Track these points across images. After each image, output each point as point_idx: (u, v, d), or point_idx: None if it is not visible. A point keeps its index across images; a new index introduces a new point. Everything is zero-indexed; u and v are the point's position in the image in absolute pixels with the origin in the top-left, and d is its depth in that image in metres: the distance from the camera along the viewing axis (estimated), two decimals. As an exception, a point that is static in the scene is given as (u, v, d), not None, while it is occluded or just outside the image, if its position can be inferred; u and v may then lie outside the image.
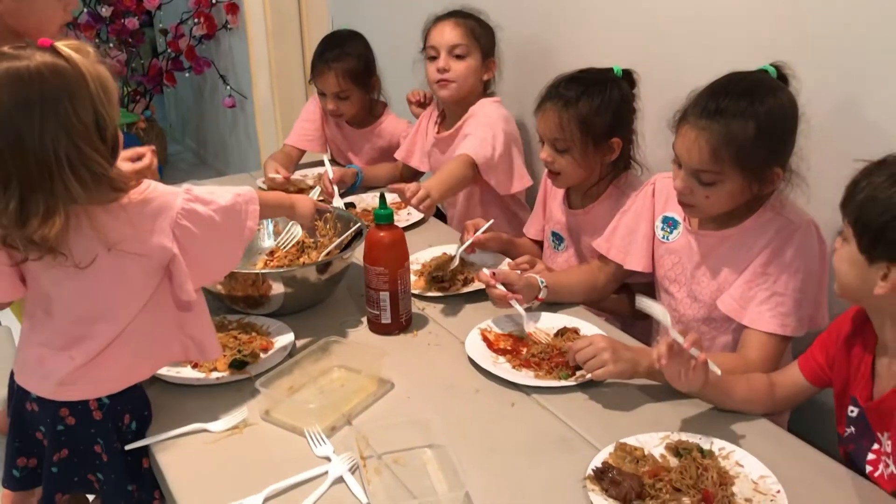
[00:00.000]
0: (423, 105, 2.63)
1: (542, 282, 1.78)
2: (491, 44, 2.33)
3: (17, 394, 1.50)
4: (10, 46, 1.28)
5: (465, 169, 2.14)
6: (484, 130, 2.22)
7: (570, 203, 2.06)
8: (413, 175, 2.63)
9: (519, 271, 1.79)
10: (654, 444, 1.37)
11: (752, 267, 1.59)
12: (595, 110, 1.84)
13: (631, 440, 1.38)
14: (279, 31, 3.90)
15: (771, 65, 1.59)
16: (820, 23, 1.68)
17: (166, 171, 4.94)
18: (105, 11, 4.46)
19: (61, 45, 1.28)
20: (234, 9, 4.18)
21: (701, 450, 1.35)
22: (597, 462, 1.32)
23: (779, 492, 1.26)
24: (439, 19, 2.32)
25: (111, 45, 4.63)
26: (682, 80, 1.62)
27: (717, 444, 1.36)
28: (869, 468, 1.32)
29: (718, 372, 1.40)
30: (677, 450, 1.36)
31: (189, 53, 4.54)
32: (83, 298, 1.40)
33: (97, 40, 4.61)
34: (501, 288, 1.71)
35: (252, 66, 4.05)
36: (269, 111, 4.10)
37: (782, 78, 1.59)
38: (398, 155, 2.59)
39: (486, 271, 1.73)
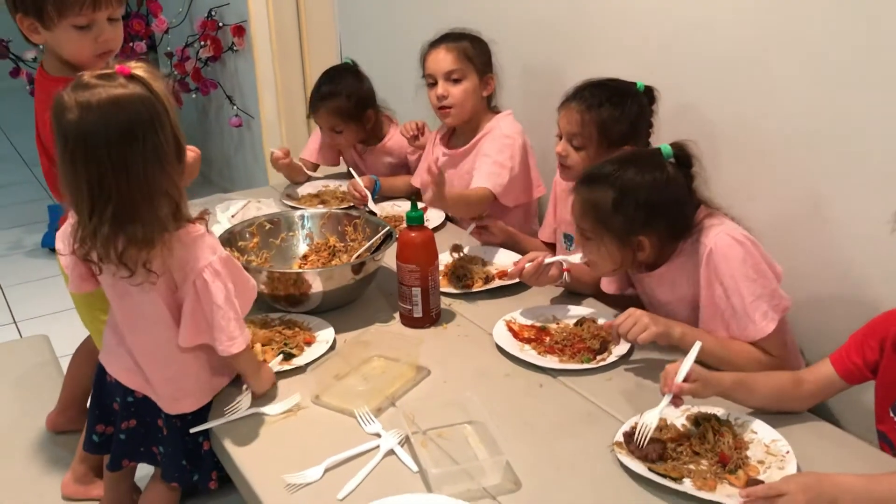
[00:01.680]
0: (417, 137, 2.71)
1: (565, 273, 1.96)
2: (486, 60, 2.41)
3: (99, 366, 1.65)
4: (97, 74, 1.39)
5: (482, 202, 2.27)
6: (500, 152, 2.32)
7: None
8: None
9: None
10: (675, 415, 1.51)
11: (703, 309, 1.71)
12: (615, 117, 1.96)
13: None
14: (284, 52, 4.04)
15: (670, 144, 1.73)
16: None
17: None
18: (114, 36, 4.60)
19: (139, 73, 1.39)
20: (240, 31, 4.32)
21: (718, 418, 1.49)
22: (624, 429, 1.47)
23: (788, 452, 1.39)
24: (433, 46, 2.41)
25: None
26: (679, 98, 1.79)
27: (733, 415, 1.50)
28: None
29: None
30: (696, 419, 1.49)
31: (195, 75, 4.67)
32: (117, 309, 1.56)
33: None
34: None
35: (258, 86, 4.19)
36: (275, 130, 4.24)
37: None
38: (415, 182, 2.66)
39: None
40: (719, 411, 1.51)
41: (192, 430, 1.58)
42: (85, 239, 1.40)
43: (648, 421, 1.43)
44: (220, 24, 4.48)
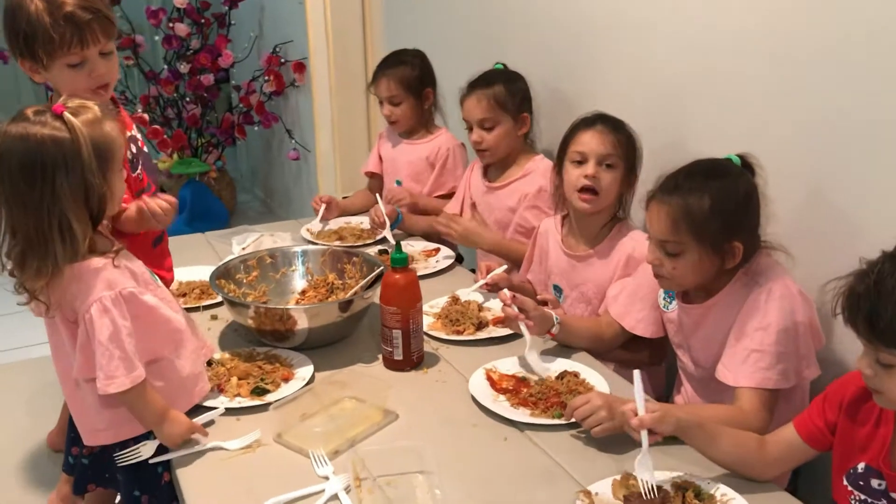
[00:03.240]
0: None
1: (556, 319, 1.89)
2: (521, 99, 2.44)
3: None
4: (36, 110, 1.44)
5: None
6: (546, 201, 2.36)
7: (569, 246, 2.17)
8: None
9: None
10: (663, 480, 1.44)
11: (732, 332, 1.69)
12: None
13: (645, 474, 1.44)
14: (342, 89, 4.12)
15: (737, 154, 1.72)
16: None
17: (235, 219, 5.20)
18: (183, 68, 4.78)
19: (68, 114, 1.43)
20: (300, 68, 4.44)
21: (698, 491, 1.41)
22: (597, 487, 1.42)
23: None
24: (468, 92, 2.46)
25: (188, 98, 4.95)
26: (689, 139, 1.73)
27: (721, 490, 1.42)
28: None
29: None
30: (679, 486, 1.42)
31: (259, 108, 4.81)
32: (48, 337, 1.60)
33: (175, 94, 4.94)
34: (515, 310, 1.83)
35: (315, 121, 4.28)
36: (329, 164, 4.32)
37: (747, 165, 1.72)
38: (451, 209, 2.69)
39: (506, 292, 1.86)
40: (706, 484, 1.43)
41: (150, 461, 1.59)
42: (11, 258, 1.47)
43: (646, 477, 1.39)
44: (283, 60, 4.61)
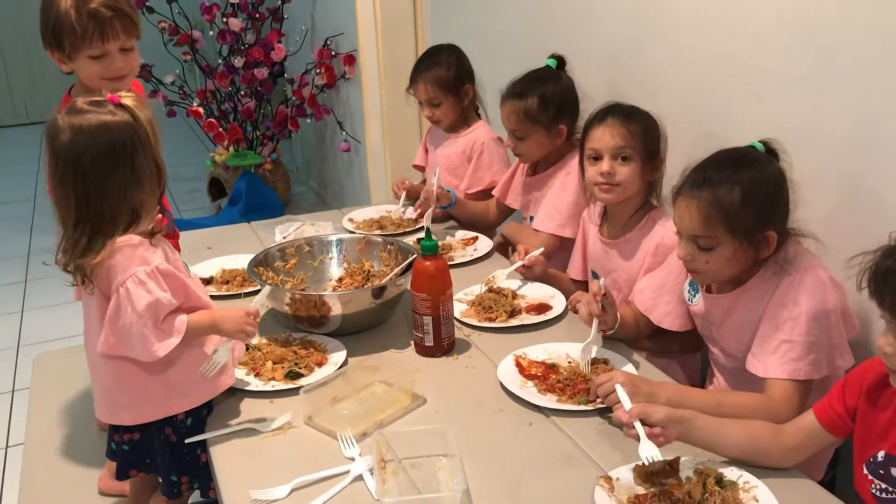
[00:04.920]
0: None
1: (617, 321, 1.88)
2: (557, 111, 2.37)
3: None
4: (90, 100, 1.54)
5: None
6: (571, 207, 2.37)
7: (604, 233, 2.17)
8: (504, 215, 2.77)
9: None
10: (686, 466, 1.44)
11: (763, 322, 1.67)
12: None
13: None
14: (391, 81, 4.15)
15: (760, 141, 1.70)
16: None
17: (290, 210, 5.30)
18: (238, 62, 4.89)
19: (127, 102, 1.53)
20: (351, 60, 4.49)
21: (720, 478, 1.41)
22: (618, 473, 1.43)
23: None
24: (502, 101, 2.42)
25: (242, 92, 5.05)
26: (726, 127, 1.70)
27: (744, 478, 1.41)
28: None
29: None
30: (701, 473, 1.42)
31: (311, 101, 4.89)
32: (84, 319, 1.66)
33: (231, 88, 5.05)
34: (597, 308, 1.81)
35: (365, 113, 4.34)
36: (379, 155, 4.37)
37: (771, 152, 1.69)
38: (496, 193, 2.73)
39: (601, 283, 1.82)
40: (729, 471, 1.43)
41: (186, 441, 1.65)
42: (67, 250, 1.52)
43: (651, 454, 1.40)
44: (334, 53, 4.67)
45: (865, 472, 1.34)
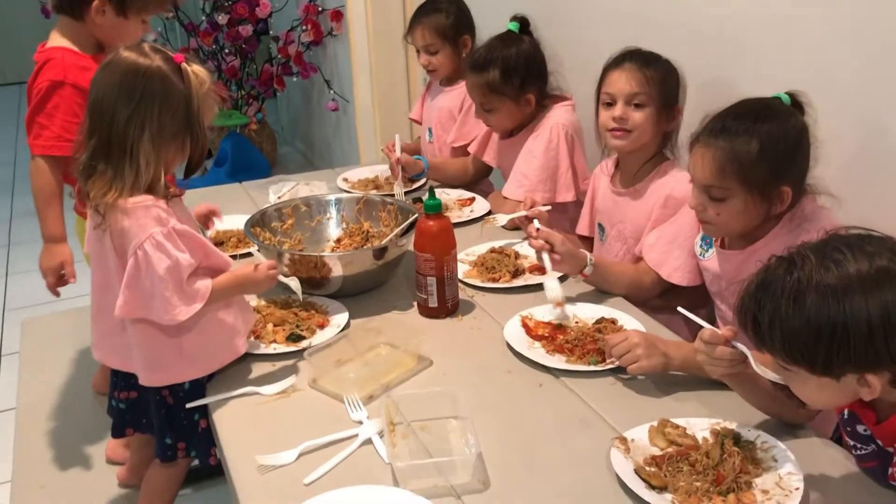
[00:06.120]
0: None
1: (590, 259, 1.86)
2: (521, 82, 2.31)
3: None
4: (150, 45, 1.56)
5: None
6: (539, 172, 2.30)
7: (615, 183, 2.13)
8: (482, 171, 2.72)
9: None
10: (701, 427, 1.42)
11: None
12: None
13: (680, 420, 1.43)
14: (380, 38, 4.06)
15: (786, 93, 1.64)
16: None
17: (276, 171, 5.22)
18: (221, 19, 4.77)
19: (187, 66, 1.54)
20: (338, 16, 4.39)
21: (737, 438, 1.39)
22: (633, 434, 1.40)
23: (798, 489, 1.27)
24: (468, 75, 2.38)
25: (227, 50, 4.94)
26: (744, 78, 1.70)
27: (762, 438, 1.39)
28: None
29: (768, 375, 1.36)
30: (719, 433, 1.40)
31: (297, 59, 4.79)
32: (94, 274, 1.64)
33: (214, 46, 4.93)
34: (542, 241, 1.82)
35: (354, 71, 4.24)
36: (368, 114, 4.28)
37: (797, 105, 1.64)
38: (472, 149, 2.69)
39: (536, 223, 1.84)
40: (746, 431, 1.40)
41: (188, 406, 1.61)
42: (79, 168, 1.54)
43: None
44: (321, 9, 4.57)
45: (841, 428, 1.34)
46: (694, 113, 1.98)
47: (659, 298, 1.97)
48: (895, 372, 1.15)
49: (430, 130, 2.85)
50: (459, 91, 2.76)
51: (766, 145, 1.57)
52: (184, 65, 1.55)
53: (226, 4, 4.79)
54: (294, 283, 1.75)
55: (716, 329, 1.39)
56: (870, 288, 1.10)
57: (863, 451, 1.31)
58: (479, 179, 2.75)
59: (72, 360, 2.68)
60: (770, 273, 1.18)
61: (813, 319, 1.11)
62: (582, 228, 2.27)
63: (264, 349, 1.74)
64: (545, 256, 1.83)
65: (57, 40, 2.07)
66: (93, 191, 1.51)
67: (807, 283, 1.12)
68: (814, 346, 1.12)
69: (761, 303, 1.17)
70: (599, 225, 2.18)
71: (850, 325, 1.09)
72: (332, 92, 4.70)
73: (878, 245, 1.14)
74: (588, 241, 2.24)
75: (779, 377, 1.29)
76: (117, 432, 1.73)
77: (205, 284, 1.55)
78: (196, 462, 1.75)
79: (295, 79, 4.95)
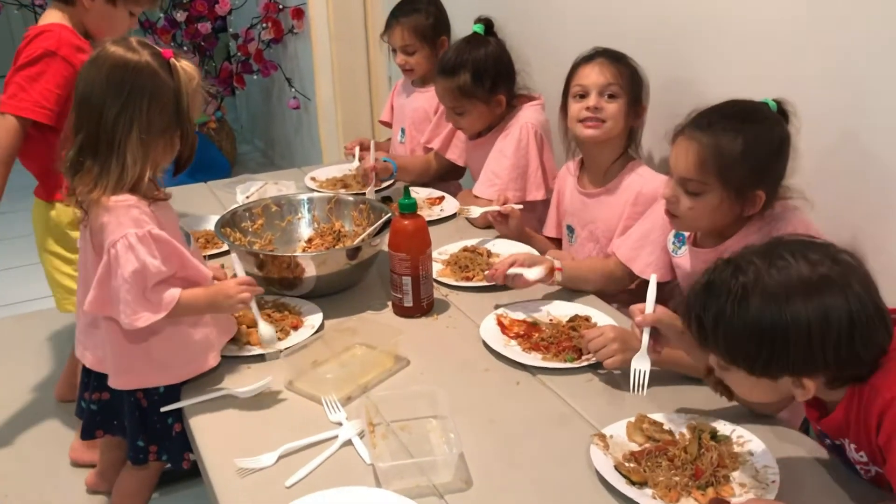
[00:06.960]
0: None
1: (559, 274, 1.88)
2: (492, 84, 2.33)
3: None
4: (138, 39, 1.53)
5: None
6: (510, 171, 2.31)
7: (583, 184, 2.14)
8: (445, 167, 2.71)
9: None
10: (678, 421, 1.45)
11: None
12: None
13: (658, 416, 1.45)
14: (342, 35, 4.04)
15: (773, 99, 1.66)
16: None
17: (236, 170, 5.16)
18: (180, 16, 4.70)
19: (176, 62, 1.52)
20: (299, 14, 4.36)
21: (714, 433, 1.41)
22: (612, 430, 1.42)
23: (774, 482, 1.29)
24: (437, 79, 2.39)
25: (185, 48, 4.87)
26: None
27: (737, 432, 1.41)
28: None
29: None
30: (696, 429, 1.42)
31: (258, 57, 4.74)
32: (82, 262, 1.62)
33: (173, 43, 4.86)
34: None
35: (315, 68, 4.22)
36: (330, 112, 4.26)
37: (782, 112, 1.66)
38: (435, 146, 2.67)
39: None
40: (722, 425, 1.43)
41: (162, 410, 1.59)
42: (66, 164, 1.51)
43: (642, 367, 1.50)
44: (281, 7, 4.53)
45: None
46: (655, 114, 2.02)
47: (629, 294, 1.99)
48: (830, 375, 1.20)
49: (402, 130, 2.84)
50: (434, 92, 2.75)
51: (750, 147, 1.59)
52: (173, 60, 1.53)
53: (184, 2, 4.72)
54: (269, 331, 1.67)
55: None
56: (811, 295, 1.14)
57: (827, 443, 1.34)
58: (443, 176, 2.75)
59: (34, 365, 2.63)
60: (716, 275, 1.21)
61: (755, 323, 1.16)
62: (549, 230, 2.28)
63: (238, 351, 1.72)
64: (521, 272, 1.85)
65: (51, 17, 2.09)
66: (79, 187, 1.49)
67: (752, 288, 1.16)
68: (755, 349, 1.17)
69: (706, 304, 1.21)
70: (569, 227, 2.19)
71: (790, 331, 1.14)
72: (293, 90, 4.66)
73: (821, 252, 1.18)
74: (555, 242, 2.25)
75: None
76: (87, 434, 1.69)
77: (171, 294, 1.52)
78: (168, 465, 1.72)
79: (255, 77, 4.90)
